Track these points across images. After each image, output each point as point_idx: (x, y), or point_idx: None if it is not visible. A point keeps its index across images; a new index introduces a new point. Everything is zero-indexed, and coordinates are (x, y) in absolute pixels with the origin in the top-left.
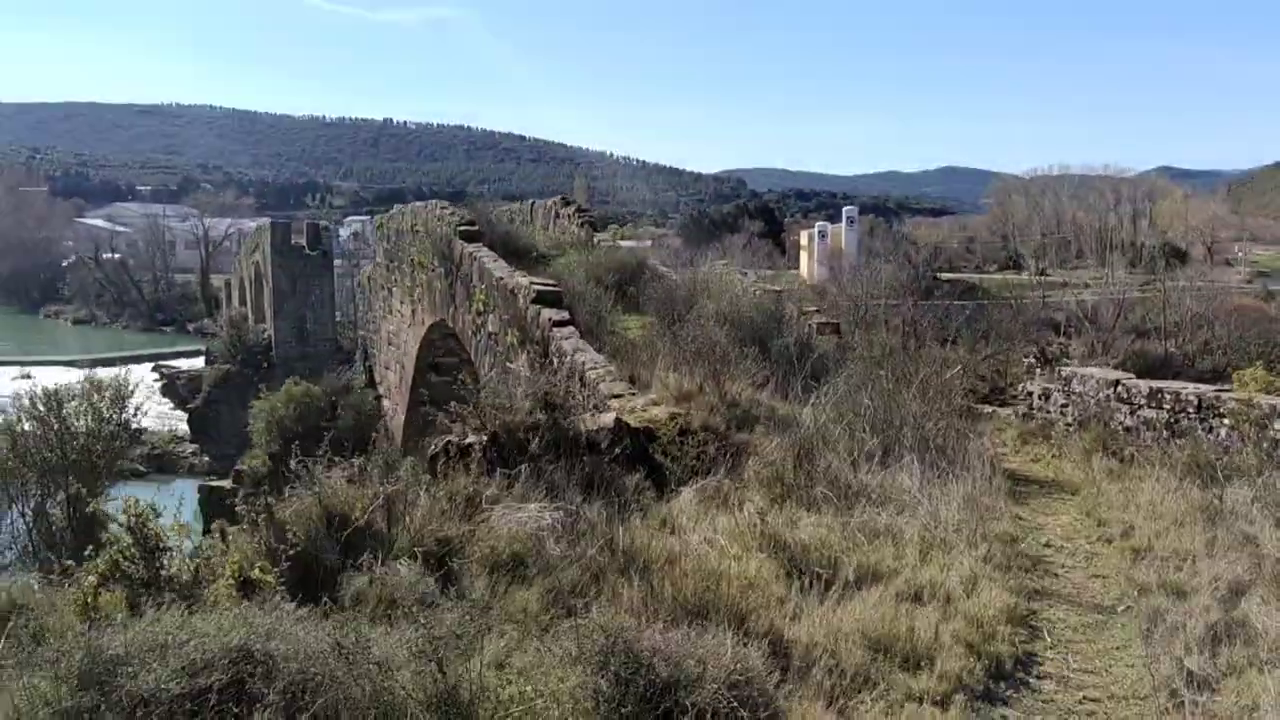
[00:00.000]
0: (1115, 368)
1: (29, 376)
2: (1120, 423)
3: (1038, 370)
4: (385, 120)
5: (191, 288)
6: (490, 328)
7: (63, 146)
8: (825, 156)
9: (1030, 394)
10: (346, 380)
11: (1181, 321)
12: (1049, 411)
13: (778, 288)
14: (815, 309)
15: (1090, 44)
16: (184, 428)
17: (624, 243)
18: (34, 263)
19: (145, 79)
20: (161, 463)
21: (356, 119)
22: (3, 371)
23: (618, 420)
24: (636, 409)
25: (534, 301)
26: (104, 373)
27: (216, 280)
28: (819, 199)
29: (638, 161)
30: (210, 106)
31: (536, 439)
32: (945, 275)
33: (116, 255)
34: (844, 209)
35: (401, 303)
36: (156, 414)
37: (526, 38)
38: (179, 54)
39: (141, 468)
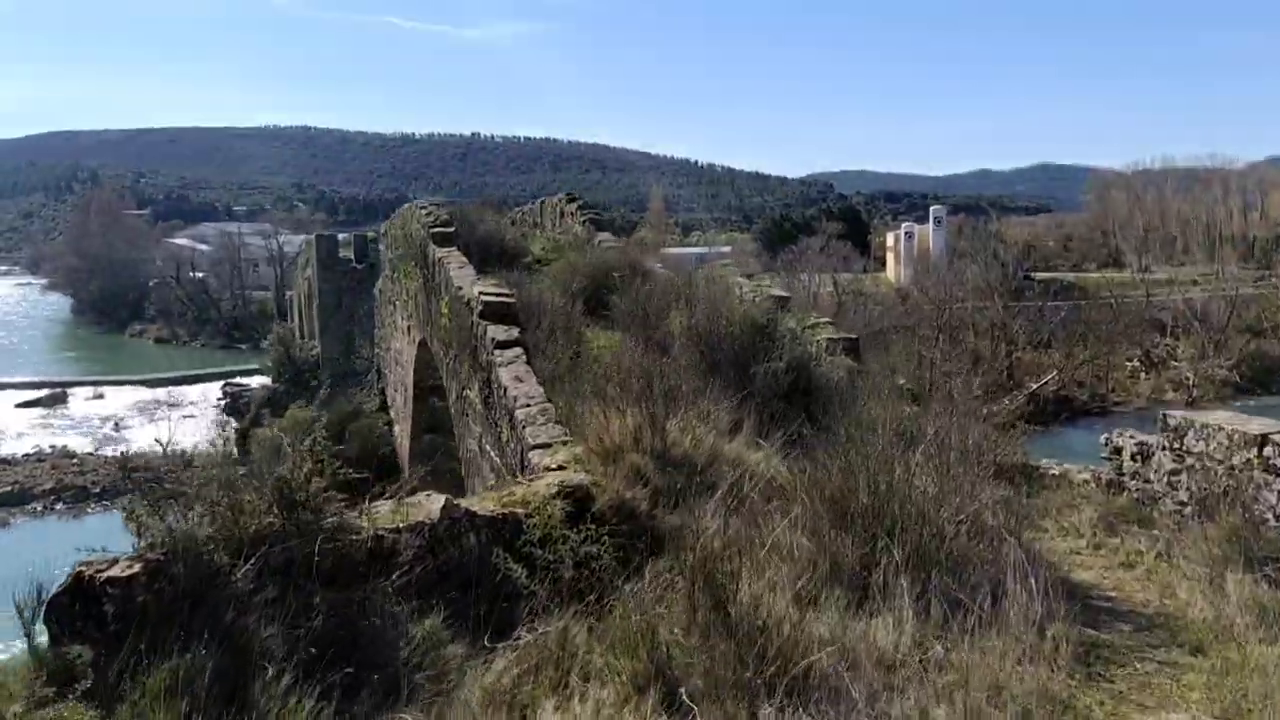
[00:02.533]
0: (1230, 369)
1: (101, 396)
2: (1273, 508)
3: (1142, 374)
4: (472, 135)
5: (269, 305)
6: (456, 349)
7: (166, 170)
8: (915, 157)
9: (1119, 451)
10: (356, 404)
11: None
12: (1148, 480)
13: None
14: (828, 320)
15: (1190, 32)
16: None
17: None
18: (122, 283)
19: (244, 104)
20: None
21: (444, 135)
22: (77, 391)
23: (450, 511)
24: (545, 468)
25: (481, 316)
26: (168, 393)
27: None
28: (909, 200)
29: (722, 168)
30: (306, 128)
31: (255, 560)
32: (1039, 275)
33: (198, 274)
34: (931, 209)
35: (403, 318)
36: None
37: (609, 49)
38: (275, 79)
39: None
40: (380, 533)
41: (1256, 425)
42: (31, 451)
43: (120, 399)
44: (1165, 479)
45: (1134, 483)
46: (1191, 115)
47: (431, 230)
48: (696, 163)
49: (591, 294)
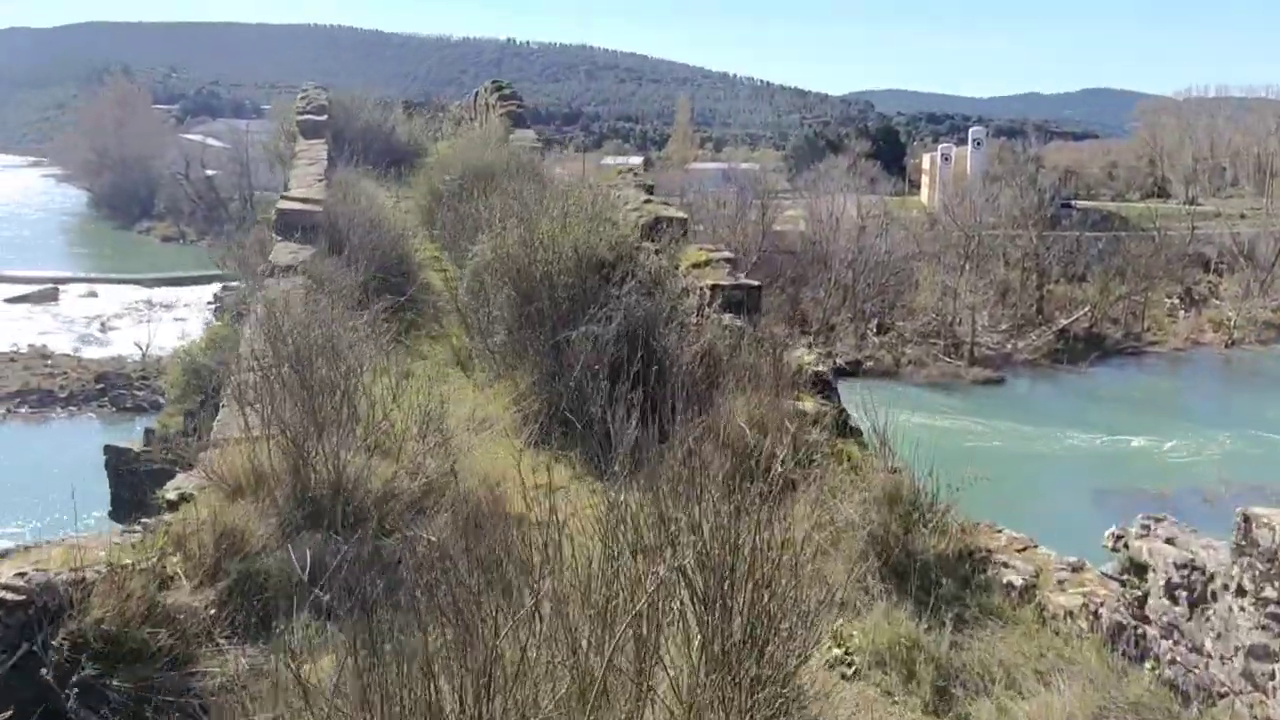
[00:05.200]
0: (1275, 310)
1: (94, 294)
2: None
3: (1181, 312)
4: (508, 40)
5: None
6: None
7: (200, 65)
8: (959, 78)
9: (1141, 568)
10: None
11: None
12: (1199, 649)
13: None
14: (723, 257)
15: None
16: None
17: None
18: (134, 178)
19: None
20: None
21: (480, 39)
22: (71, 289)
23: None
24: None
25: (275, 228)
26: (164, 294)
27: None
28: (951, 122)
29: (761, 82)
30: (342, 27)
31: None
32: (1080, 203)
33: (208, 172)
34: (970, 130)
35: None
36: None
37: None
38: None
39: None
40: None
41: None
42: (5, 350)
43: (114, 298)
44: (1242, 659)
45: (1168, 643)
46: (1251, 37)
47: (298, 118)
48: (735, 76)
49: (470, 200)
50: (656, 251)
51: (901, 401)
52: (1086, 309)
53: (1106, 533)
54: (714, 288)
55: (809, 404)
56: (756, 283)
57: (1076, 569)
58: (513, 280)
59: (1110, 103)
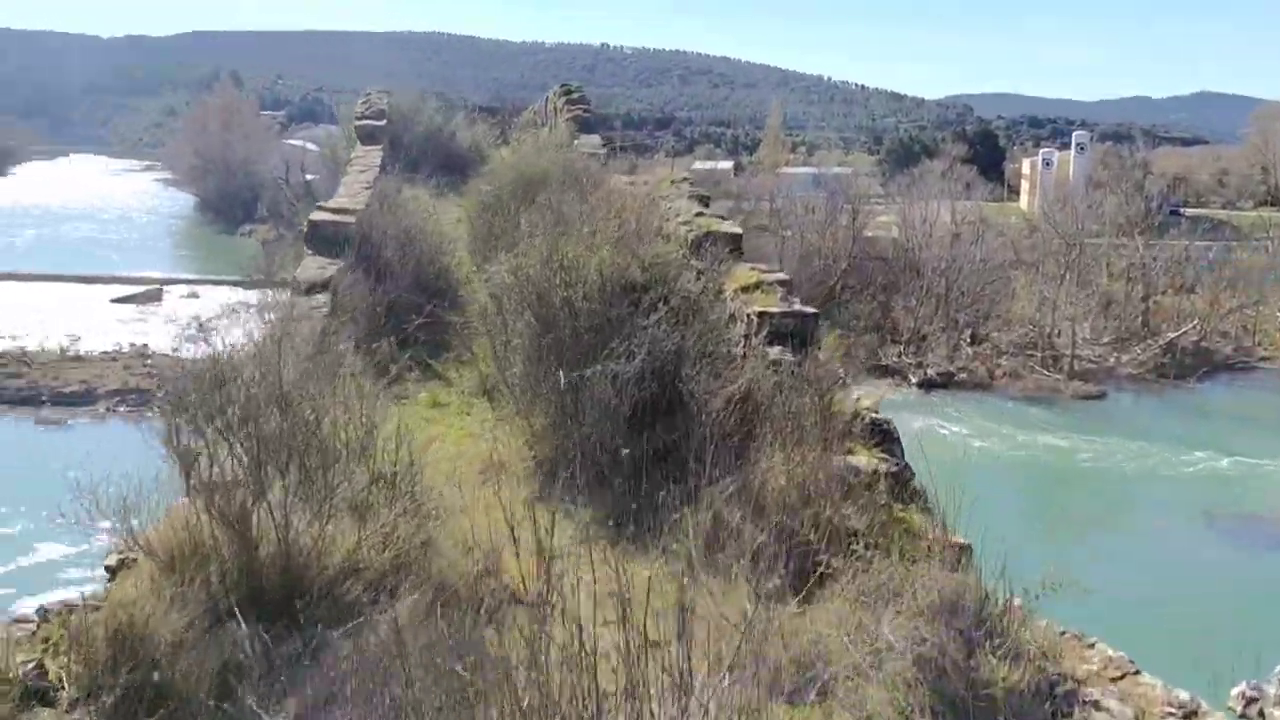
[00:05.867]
0: None
1: (195, 295)
2: None
3: None
4: (602, 45)
5: None
6: None
7: (302, 73)
8: (1063, 82)
9: None
10: None
11: None
12: None
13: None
14: (776, 278)
15: None
16: None
17: (789, 169)
18: (238, 183)
19: (375, 8)
20: None
21: (574, 44)
22: (174, 289)
23: None
24: None
25: (307, 240)
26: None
27: None
28: (1053, 126)
29: (856, 86)
30: (440, 34)
31: None
32: (1188, 210)
33: (308, 176)
34: (1074, 134)
35: None
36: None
37: None
38: None
39: None
40: None
41: None
42: (109, 350)
43: (214, 299)
44: None
45: None
46: None
47: (355, 123)
48: (829, 79)
49: (509, 213)
50: (700, 273)
51: (995, 415)
52: (1194, 322)
53: (1234, 691)
54: (761, 315)
55: (864, 458)
56: (812, 310)
57: (1189, 715)
58: (531, 306)
59: (1222, 108)
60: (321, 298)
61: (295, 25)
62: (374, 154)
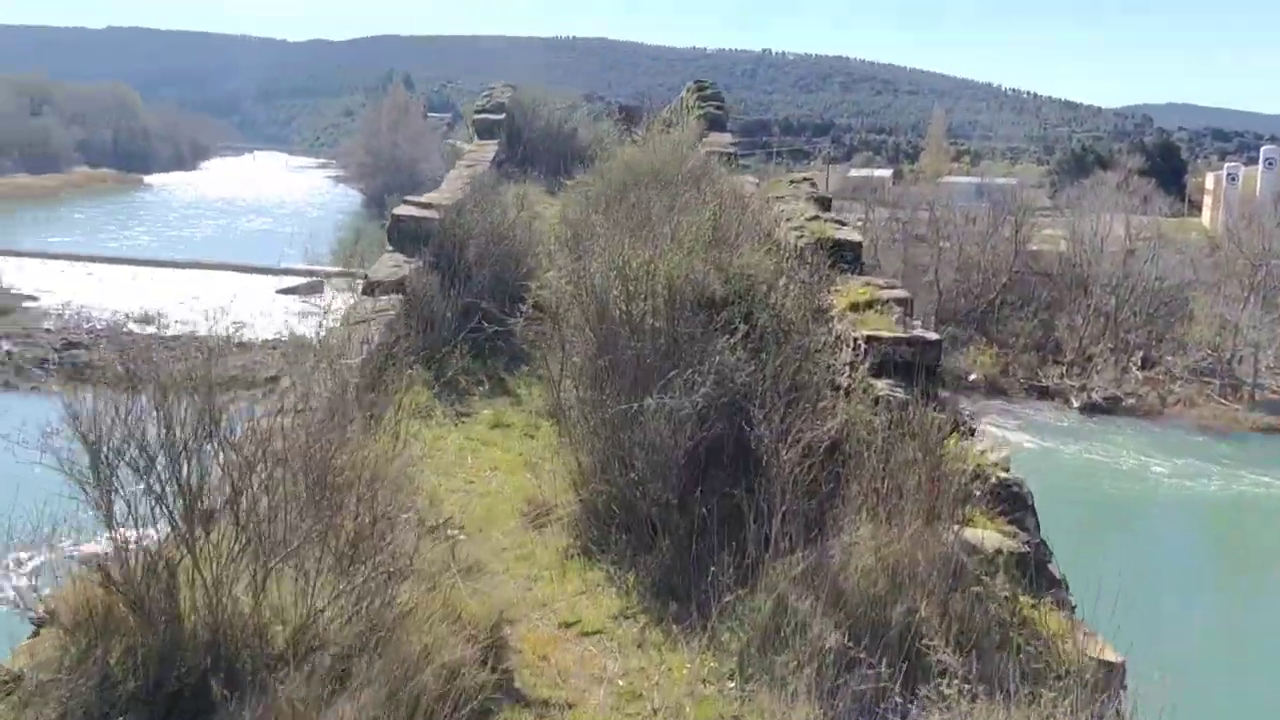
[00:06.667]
0: None
1: (351, 289)
2: None
3: None
4: (763, 51)
5: None
6: None
7: (473, 77)
8: (1252, 92)
9: None
10: None
11: None
12: None
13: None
14: (894, 296)
15: None
16: None
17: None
18: (403, 180)
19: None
20: None
21: (735, 50)
22: (335, 281)
23: None
24: None
25: (390, 237)
26: None
27: None
28: (1240, 140)
29: (1028, 94)
30: (603, 39)
31: None
32: None
33: None
34: (1263, 149)
35: None
36: None
37: None
38: None
39: None
40: None
41: None
42: (270, 338)
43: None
44: None
45: None
46: None
47: (474, 117)
48: (999, 87)
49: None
50: (794, 285)
51: (1167, 447)
52: None
53: None
54: (870, 340)
55: (987, 532)
56: (935, 336)
57: None
58: (591, 320)
59: None
60: (390, 299)
61: (464, 30)
62: (488, 148)
